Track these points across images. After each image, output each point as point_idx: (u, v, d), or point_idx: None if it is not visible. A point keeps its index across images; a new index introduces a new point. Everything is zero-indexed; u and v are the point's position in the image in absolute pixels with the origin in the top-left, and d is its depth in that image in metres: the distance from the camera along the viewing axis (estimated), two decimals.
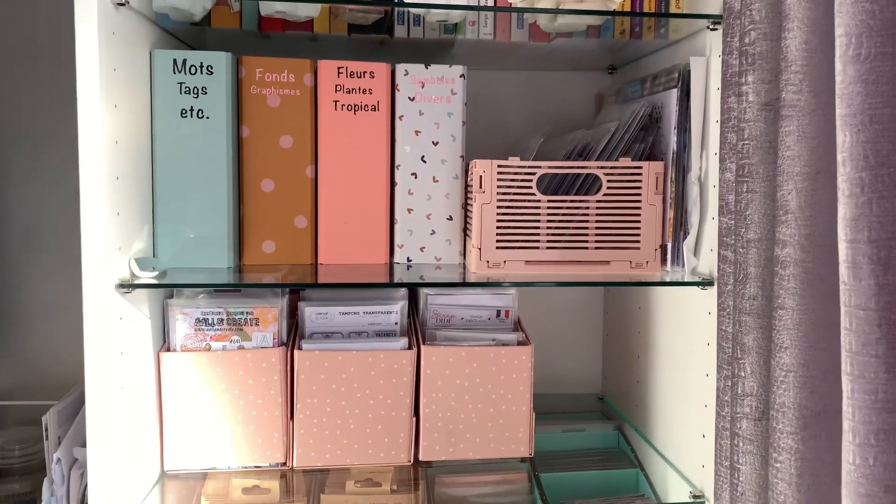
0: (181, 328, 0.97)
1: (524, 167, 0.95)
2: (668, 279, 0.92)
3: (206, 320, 0.97)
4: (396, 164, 1.04)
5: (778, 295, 0.66)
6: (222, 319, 0.97)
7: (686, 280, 0.90)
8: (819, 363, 0.65)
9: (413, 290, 1.11)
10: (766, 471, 0.72)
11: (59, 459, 0.86)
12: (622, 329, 1.24)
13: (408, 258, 1.05)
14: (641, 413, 1.14)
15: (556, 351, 1.33)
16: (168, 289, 1.01)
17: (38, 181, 1.25)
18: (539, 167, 0.95)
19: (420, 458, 1.03)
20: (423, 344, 1.02)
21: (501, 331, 1.07)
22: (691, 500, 0.92)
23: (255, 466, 1.00)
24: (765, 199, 0.72)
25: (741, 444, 0.73)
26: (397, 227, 1.04)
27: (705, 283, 0.89)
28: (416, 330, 1.06)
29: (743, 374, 0.72)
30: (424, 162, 1.04)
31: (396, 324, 1.04)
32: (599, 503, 1.03)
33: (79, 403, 0.95)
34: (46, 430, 0.89)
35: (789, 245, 0.64)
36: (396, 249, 1.05)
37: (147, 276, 0.85)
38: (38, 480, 0.96)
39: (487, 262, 0.96)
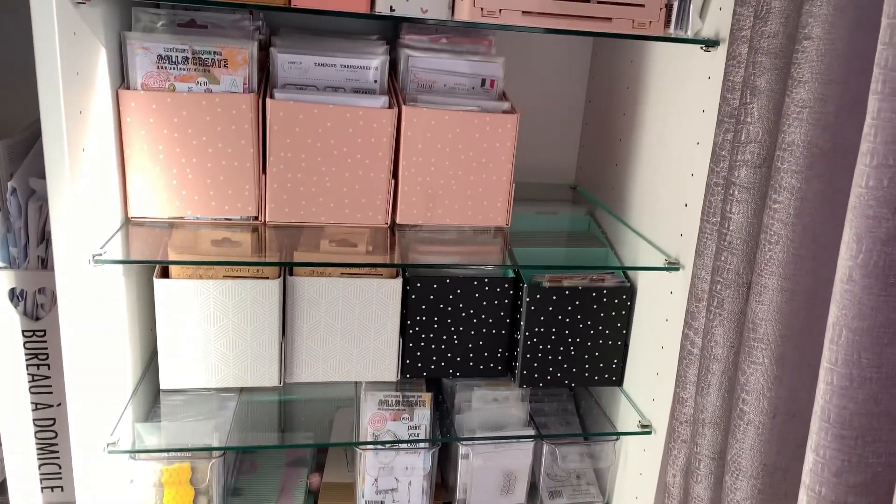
0: (142, 64, 0.88)
1: None
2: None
3: (169, 58, 0.88)
4: None
5: (805, 24, 0.62)
6: (187, 58, 0.89)
7: (691, 38, 0.85)
8: (836, 98, 0.62)
9: (393, 53, 1.04)
10: (758, 218, 0.72)
11: (14, 189, 0.79)
12: (606, 111, 1.21)
13: (391, 7, 0.96)
14: (617, 195, 1.14)
15: (532, 138, 1.29)
16: (125, 21, 0.91)
17: None
18: None
19: (397, 222, 1.01)
20: (405, 104, 0.96)
21: (486, 100, 1.02)
22: (666, 265, 0.94)
23: (226, 219, 0.96)
24: None
25: (736, 193, 0.72)
26: None
27: (710, 42, 0.85)
28: (395, 92, 0.99)
29: (749, 119, 0.70)
30: None
31: (376, 81, 0.98)
32: (570, 277, 1.04)
33: (33, 139, 0.88)
34: None
35: None
36: None
37: None
38: None
39: (482, 9, 0.88)
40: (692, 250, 0.87)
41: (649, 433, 1.00)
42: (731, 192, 0.73)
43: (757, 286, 0.69)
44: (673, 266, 0.93)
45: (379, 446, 1.04)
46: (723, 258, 0.75)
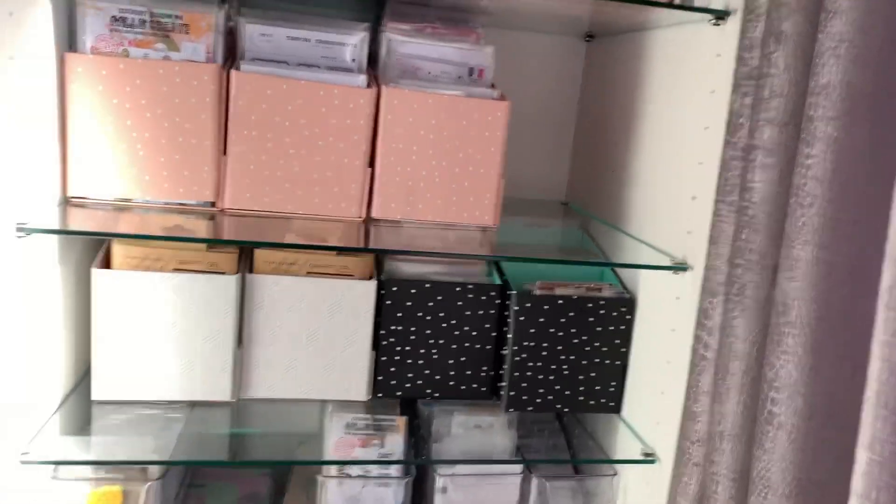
0: (93, 26, 0.79)
1: None
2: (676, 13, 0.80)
3: (124, 20, 0.80)
4: None
5: None
6: (145, 21, 0.80)
7: (699, 5, 0.78)
8: (879, 30, 0.54)
9: (373, 45, 0.96)
10: (785, 186, 0.63)
11: None
12: (600, 115, 1.13)
13: None
14: (614, 205, 1.05)
15: (521, 152, 1.21)
16: None
17: None
18: None
19: (373, 216, 0.90)
20: (385, 85, 0.88)
21: (474, 88, 0.94)
22: (673, 264, 0.84)
23: (180, 204, 0.85)
24: None
25: (759, 158, 0.63)
26: None
27: (720, 13, 0.77)
28: (375, 76, 0.91)
29: (774, 70, 0.61)
30: None
31: (353, 60, 0.90)
32: (564, 284, 0.94)
33: None
34: None
35: None
36: None
37: None
38: None
39: None
40: (702, 248, 0.78)
41: (653, 462, 0.88)
42: (752, 157, 0.64)
43: (787, 260, 0.59)
44: (680, 266, 0.83)
45: (344, 475, 0.90)
46: (744, 236, 0.66)
